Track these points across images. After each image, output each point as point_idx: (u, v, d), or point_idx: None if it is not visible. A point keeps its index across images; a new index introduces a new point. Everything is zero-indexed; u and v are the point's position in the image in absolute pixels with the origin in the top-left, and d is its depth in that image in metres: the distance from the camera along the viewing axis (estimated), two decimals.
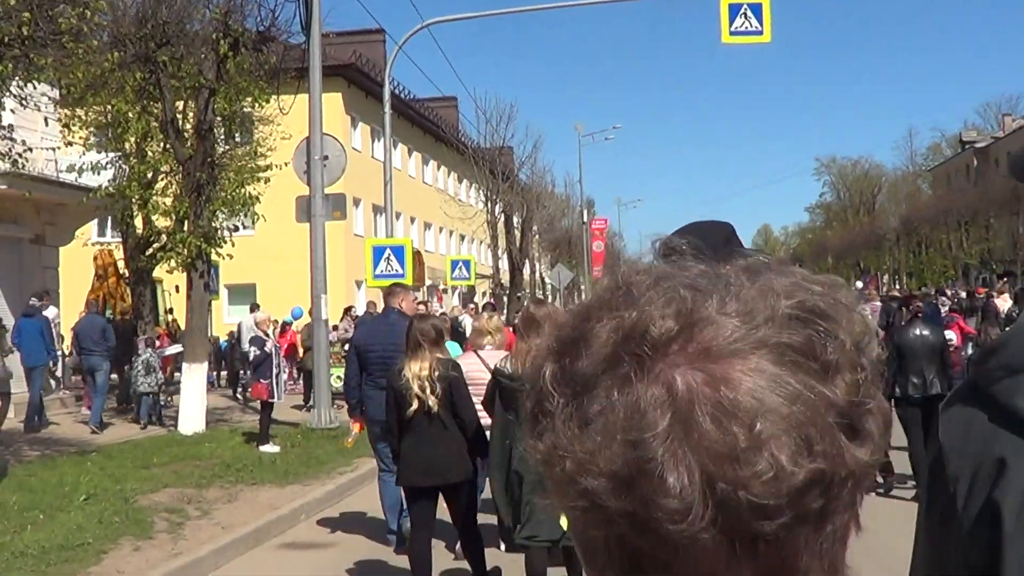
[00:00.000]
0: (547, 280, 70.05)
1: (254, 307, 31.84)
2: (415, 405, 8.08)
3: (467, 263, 36.79)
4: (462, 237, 65.33)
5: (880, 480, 12.92)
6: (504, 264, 53.88)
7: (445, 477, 8.23)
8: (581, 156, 78.90)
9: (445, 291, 53.58)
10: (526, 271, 59.05)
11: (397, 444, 8.49)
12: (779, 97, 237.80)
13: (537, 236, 62.15)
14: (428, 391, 8.10)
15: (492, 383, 7.91)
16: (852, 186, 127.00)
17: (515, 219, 54.11)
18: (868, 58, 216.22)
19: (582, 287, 71.61)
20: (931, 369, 12.60)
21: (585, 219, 77.71)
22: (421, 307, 22.45)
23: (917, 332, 12.91)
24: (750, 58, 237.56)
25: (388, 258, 25.30)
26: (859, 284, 44.51)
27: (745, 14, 25.89)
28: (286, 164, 21.45)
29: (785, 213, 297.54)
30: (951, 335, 16.78)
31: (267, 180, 20.98)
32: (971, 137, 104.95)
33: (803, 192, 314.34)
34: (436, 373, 8.13)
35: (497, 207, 51.63)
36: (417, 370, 8.15)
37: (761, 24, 25.85)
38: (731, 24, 26.02)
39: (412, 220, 56.83)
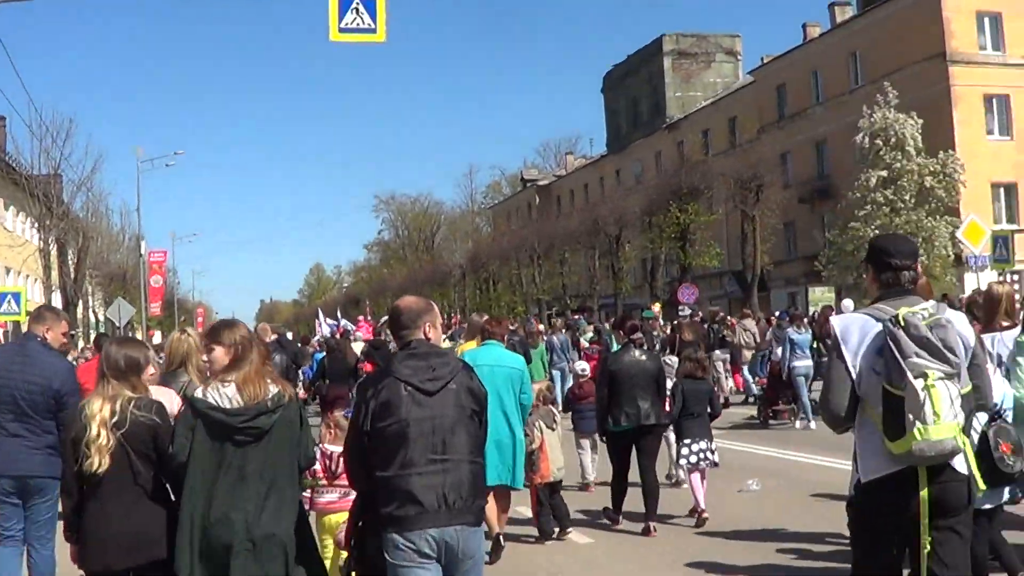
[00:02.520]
0: (102, 317, 64.00)
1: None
2: (96, 458, 6.38)
3: (17, 296, 32.75)
4: (8, 270, 57.98)
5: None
6: (57, 298, 48.10)
7: (147, 555, 6.43)
8: (140, 183, 73.00)
9: None
10: (80, 307, 53.56)
11: (70, 510, 6.65)
12: (342, 131, 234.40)
13: (91, 269, 56.38)
14: (106, 439, 6.43)
15: (189, 417, 6.27)
16: (411, 223, 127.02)
17: (69, 251, 48.51)
18: (429, 96, 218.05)
19: (135, 325, 65.92)
20: (646, 397, 12.11)
21: (143, 252, 71.91)
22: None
23: (632, 358, 12.40)
24: (316, 85, 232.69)
25: None
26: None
27: (357, 9, 22.92)
28: None
29: (343, 250, 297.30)
30: (585, 365, 16.78)
31: None
32: (532, 175, 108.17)
33: (363, 229, 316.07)
34: (124, 415, 6.49)
35: (50, 236, 46.07)
36: (98, 409, 6.50)
37: (375, 21, 22.88)
38: (341, 20, 22.92)
39: None
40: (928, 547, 5.35)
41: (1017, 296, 10.89)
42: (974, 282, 33.47)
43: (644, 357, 12.60)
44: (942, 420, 5.12)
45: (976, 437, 6.63)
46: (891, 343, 5.28)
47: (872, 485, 5.42)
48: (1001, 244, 29.87)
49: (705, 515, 12.27)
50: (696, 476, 12.53)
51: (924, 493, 5.29)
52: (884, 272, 5.71)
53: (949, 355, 5.26)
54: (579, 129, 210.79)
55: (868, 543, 5.55)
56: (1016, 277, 39.37)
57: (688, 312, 42.66)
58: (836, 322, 5.70)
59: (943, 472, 5.30)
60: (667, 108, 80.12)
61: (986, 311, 9.54)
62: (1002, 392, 7.86)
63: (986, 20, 51.24)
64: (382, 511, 5.87)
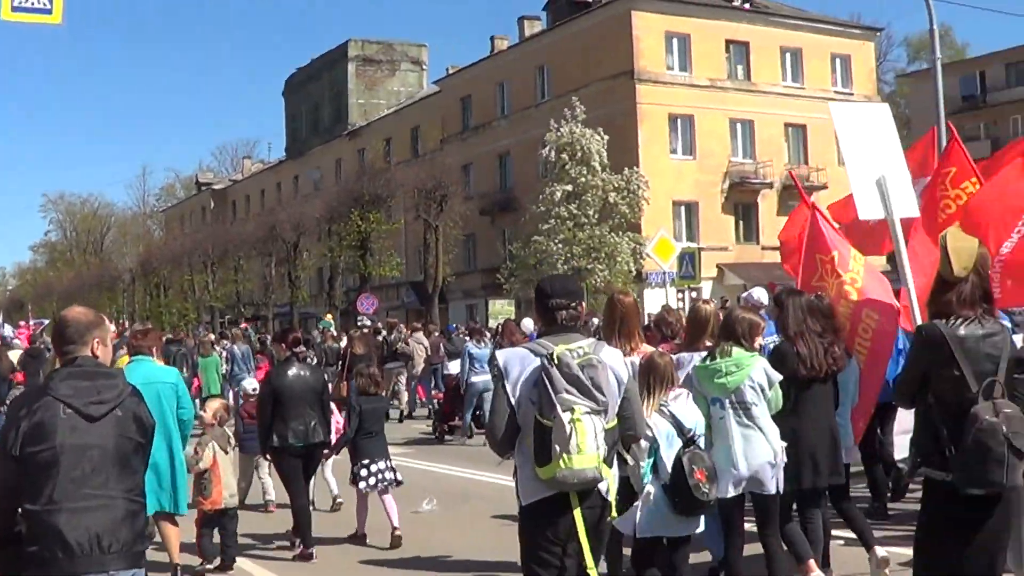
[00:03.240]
0: None
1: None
2: None
3: None
4: None
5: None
6: None
7: None
8: None
9: None
10: None
11: None
12: (8, 125, 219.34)
13: None
14: None
15: None
16: (80, 225, 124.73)
17: None
18: (102, 91, 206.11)
19: None
20: (312, 414, 11.50)
21: None
22: None
23: (296, 373, 11.70)
24: None
25: None
26: None
27: None
28: None
29: (7, 251, 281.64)
30: (255, 384, 15.39)
31: None
32: (208, 179, 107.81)
33: (29, 229, 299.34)
34: None
35: None
36: None
37: (51, 2, 20.58)
38: None
39: None
40: (592, 566, 5.78)
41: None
42: (657, 297, 32.91)
43: (306, 372, 11.95)
44: (585, 452, 5.57)
45: (669, 464, 7.36)
46: (545, 378, 5.67)
47: (532, 507, 5.84)
48: (687, 261, 29.38)
49: (362, 536, 12.05)
50: (388, 498, 11.91)
51: (577, 512, 5.74)
52: (545, 311, 6.10)
53: (596, 393, 5.68)
54: (258, 133, 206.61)
55: (537, 563, 5.84)
56: (695, 295, 39.44)
57: (368, 323, 41.08)
58: (500, 355, 6.12)
59: (590, 497, 5.80)
60: (349, 115, 79.70)
61: (691, 331, 9.26)
62: (695, 419, 7.73)
63: (675, 41, 52.14)
64: (27, 550, 5.19)
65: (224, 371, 26.80)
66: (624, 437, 6.17)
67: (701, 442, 7.63)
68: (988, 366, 5.68)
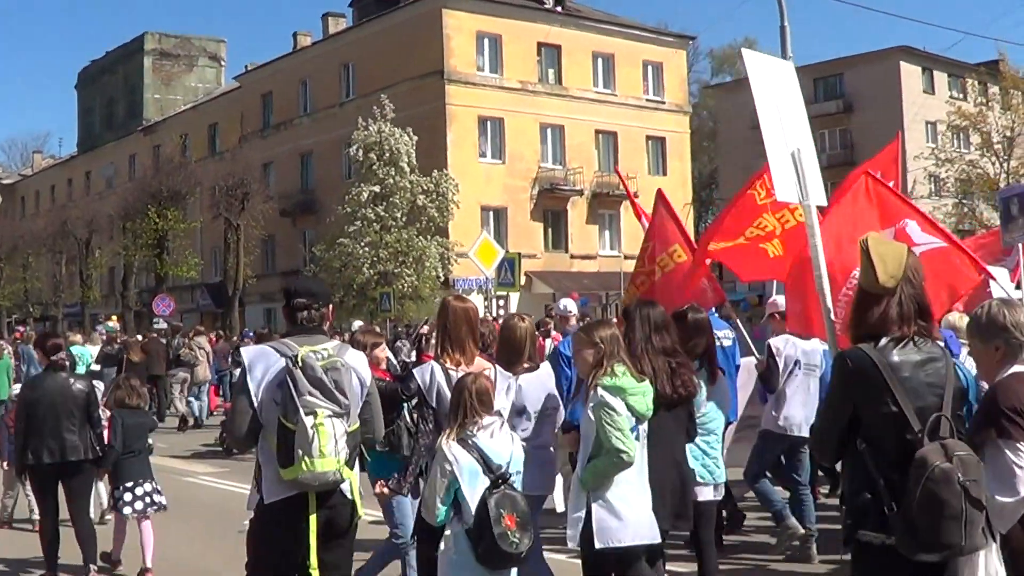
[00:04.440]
0: None
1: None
2: None
3: None
4: None
5: None
6: None
7: None
8: None
9: None
10: None
11: None
12: None
13: None
14: None
15: None
16: None
17: None
18: None
19: None
20: (72, 428, 10.28)
21: None
22: None
23: (57, 383, 10.52)
24: None
25: None
26: None
27: None
28: None
29: None
30: None
31: None
32: None
33: None
34: None
35: None
36: None
37: None
38: None
39: None
40: (315, 566, 5.79)
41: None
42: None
43: (72, 381, 10.77)
44: (326, 455, 5.62)
45: (473, 505, 6.21)
46: (289, 380, 5.69)
47: (273, 506, 5.82)
48: (507, 267, 28.52)
49: (117, 561, 10.87)
50: (147, 525, 10.62)
51: (313, 517, 5.80)
52: (288, 312, 6.14)
53: (339, 396, 5.73)
54: (49, 126, 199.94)
55: (266, 559, 5.92)
56: (502, 303, 38.74)
57: (164, 326, 39.15)
58: (246, 353, 6.14)
59: (332, 497, 5.87)
60: (145, 110, 77.87)
61: (504, 353, 7.88)
62: (507, 454, 6.43)
63: (486, 41, 51.27)
64: None
65: (16, 373, 24.99)
66: (363, 440, 6.14)
67: (517, 482, 6.38)
68: (931, 399, 4.52)
